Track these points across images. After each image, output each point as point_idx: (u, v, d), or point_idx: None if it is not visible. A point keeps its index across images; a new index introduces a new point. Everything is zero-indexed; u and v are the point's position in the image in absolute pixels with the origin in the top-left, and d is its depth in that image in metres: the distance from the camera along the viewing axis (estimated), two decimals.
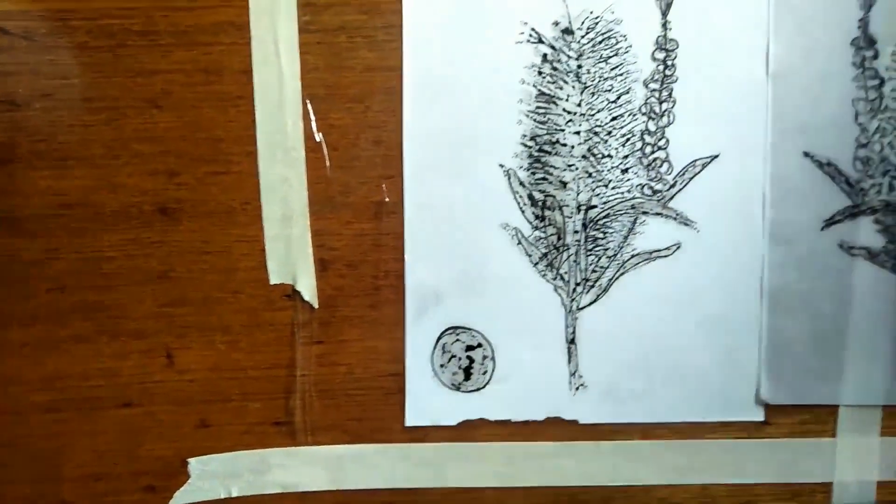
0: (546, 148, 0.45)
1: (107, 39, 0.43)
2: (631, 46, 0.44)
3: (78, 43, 0.43)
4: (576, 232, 0.45)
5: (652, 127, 0.45)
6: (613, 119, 0.45)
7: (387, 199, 0.45)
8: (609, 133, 0.45)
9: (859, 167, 0.45)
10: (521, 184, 0.45)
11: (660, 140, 0.45)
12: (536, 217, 0.45)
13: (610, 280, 0.46)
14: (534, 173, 0.45)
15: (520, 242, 0.45)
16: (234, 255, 0.45)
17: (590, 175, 0.45)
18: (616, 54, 0.44)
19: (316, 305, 0.46)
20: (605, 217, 0.45)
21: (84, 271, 0.45)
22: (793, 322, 0.46)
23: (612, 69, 0.44)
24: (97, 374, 0.46)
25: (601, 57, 0.44)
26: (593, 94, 0.44)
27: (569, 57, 0.44)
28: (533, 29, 0.44)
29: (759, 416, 0.47)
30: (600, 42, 0.44)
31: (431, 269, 0.45)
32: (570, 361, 0.46)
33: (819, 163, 0.45)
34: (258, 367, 0.46)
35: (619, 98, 0.44)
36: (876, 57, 0.44)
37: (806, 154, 0.45)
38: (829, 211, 0.45)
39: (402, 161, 0.44)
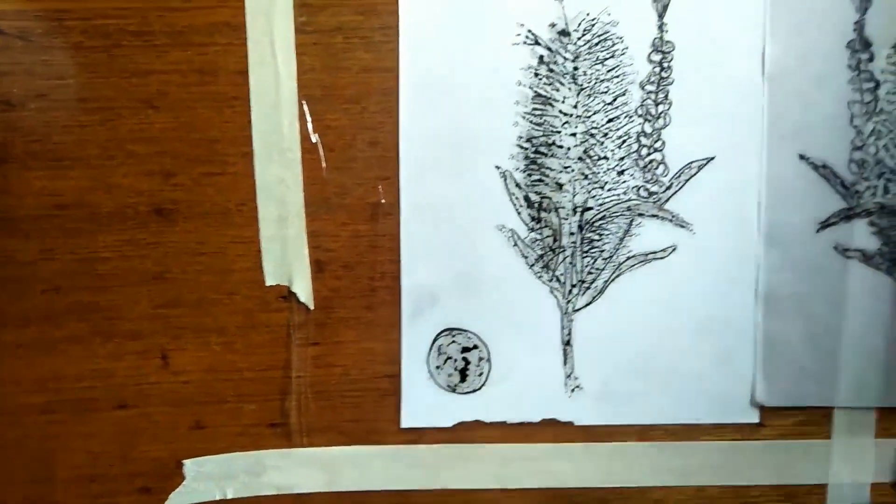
0: (542, 150, 0.45)
1: (102, 40, 0.43)
2: (627, 48, 0.44)
3: (73, 43, 0.43)
4: (572, 234, 0.45)
5: (648, 129, 0.45)
6: (610, 121, 0.45)
7: (383, 201, 0.45)
8: (605, 135, 0.45)
9: (854, 169, 0.45)
10: (518, 185, 0.45)
11: (656, 142, 0.45)
12: (532, 219, 0.45)
13: (606, 282, 0.46)
14: (530, 175, 0.45)
15: (516, 244, 0.45)
16: (229, 256, 0.45)
17: (586, 177, 0.45)
18: (612, 56, 0.44)
19: (312, 307, 0.46)
20: (600, 219, 0.45)
21: (79, 272, 0.45)
22: (788, 324, 0.46)
23: (609, 71, 0.44)
24: (92, 375, 0.46)
25: (597, 59, 0.44)
26: (589, 95, 0.44)
27: (565, 59, 0.44)
28: (529, 31, 0.44)
29: (754, 417, 0.47)
30: (597, 44, 0.44)
31: (427, 271, 0.45)
32: (565, 363, 0.46)
33: (814, 165, 0.45)
34: (254, 369, 0.46)
35: (615, 100, 0.45)
36: (871, 60, 0.44)
37: (801, 156, 0.45)
38: (824, 213, 0.45)
39: (399, 162, 0.44)
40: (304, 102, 0.44)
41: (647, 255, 0.46)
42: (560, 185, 0.45)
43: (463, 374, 0.46)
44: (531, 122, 0.44)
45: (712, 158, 0.45)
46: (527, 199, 0.45)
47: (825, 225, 0.45)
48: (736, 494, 0.48)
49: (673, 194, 0.45)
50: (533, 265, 0.45)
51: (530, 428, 0.47)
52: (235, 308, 0.46)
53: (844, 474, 0.47)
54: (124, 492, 0.47)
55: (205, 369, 0.46)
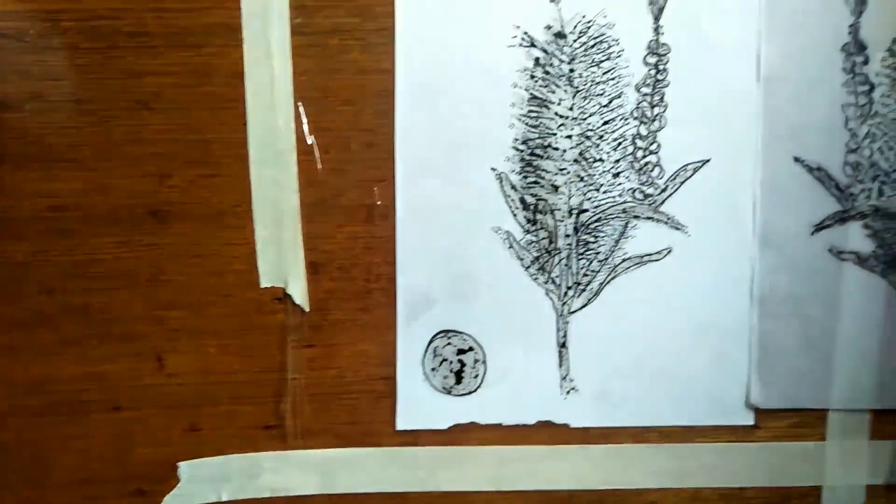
0: (538, 152, 0.45)
1: (98, 41, 0.43)
2: (623, 51, 0.44)
3: (68, 44, 0.43)
4: (567, 236, 0.45)
5: (643, 131, 0.45)
6: (605, 123, 0.45)
7: (378, 203, 0.45)
8: (601, 137, 0.45)
9: (849, 172, 0.45)
10: (513, 187, 0.45)
11: (651, 144, 0.45)
12: (528, 221, 0.45)
13: (601, 284, 0.46)
14: (526, 177, 0.45)
15: (511, 246, 0.45)
16: (224, 257, 0.45)
17: (581, 179, 0.45)
18: (608, 58, 0.44)
19: (307, 309, 0.46)
20: (596, 221, 0.45)
21: (74, 274, 0.45)
22: (782, 326, 0.46)
23: (604, 73, 0.44)
24: (87, 377, 0.46)
25: (593, 61, 0.44)
26: (585, 97, 0.44)
27: (561, 61, 0.44)
28: (525, 32, 0.44)
29: (749, 419, 0.47)
30: (592, 46, 0.44)
31: (423, 273, 0.45)
32: (561, 365, 0.46)
33: (809, 167, 0.45)
34: (249, 371, 0.46)
35: (610, 102, 0.45)
36: (866, 62, 0.44)
37: (796, 159, 0.45)
38: (818, 215, 0.45)
39: (395, 164, 0.44)
40: (299, 104, 0.44)
41: (642, 257, 0.46)
42: (556, 188, 0.45)
43: (458, 376, 0.46)
44: (527, 124, 0.44)
45: (707, 161, 0.45)
46: (522, 201, 0.45)
47: (820, 227, 0.45)
48: (731, 496, 0.48)
49: (668, 196, 0.45)
50: (528, 267, 0.45)
51: (526, 430, 0.47)
52: (231, 310, 0.45)
53: (839, 476, 0.47)
54: (119, 494, 0.47)
55: (200, 371, 0.46)
